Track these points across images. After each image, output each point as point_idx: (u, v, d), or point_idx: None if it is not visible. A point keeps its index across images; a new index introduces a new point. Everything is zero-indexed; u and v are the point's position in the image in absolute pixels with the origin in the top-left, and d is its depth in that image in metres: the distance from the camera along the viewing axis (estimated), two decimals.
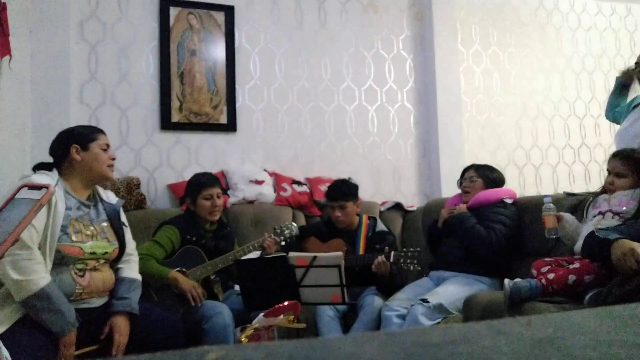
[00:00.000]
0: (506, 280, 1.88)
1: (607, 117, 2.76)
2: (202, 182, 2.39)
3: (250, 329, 1.45)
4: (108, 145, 1.89)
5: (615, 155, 2.03)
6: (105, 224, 1.83)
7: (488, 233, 2.39)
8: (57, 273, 1.63)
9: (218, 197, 2.39)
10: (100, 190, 1.92)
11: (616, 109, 2.64)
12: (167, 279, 2.16)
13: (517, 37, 3.96)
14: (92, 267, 1.73)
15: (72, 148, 1.79)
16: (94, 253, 1.73)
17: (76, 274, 1.68)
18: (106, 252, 1.78)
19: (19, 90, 2.70)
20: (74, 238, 1.68)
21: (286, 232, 2.46)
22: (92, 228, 1.77)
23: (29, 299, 1.52)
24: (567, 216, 2.08)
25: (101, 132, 1.91)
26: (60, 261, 1.64)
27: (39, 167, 1.79)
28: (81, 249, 1.69)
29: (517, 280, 1.87)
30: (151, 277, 2.15)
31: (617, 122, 2.65)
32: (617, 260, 1.59)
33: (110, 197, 1.94)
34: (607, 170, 2.04)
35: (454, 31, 3.73)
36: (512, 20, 3.97)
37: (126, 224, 1.95)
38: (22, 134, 2.70)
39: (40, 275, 1.54)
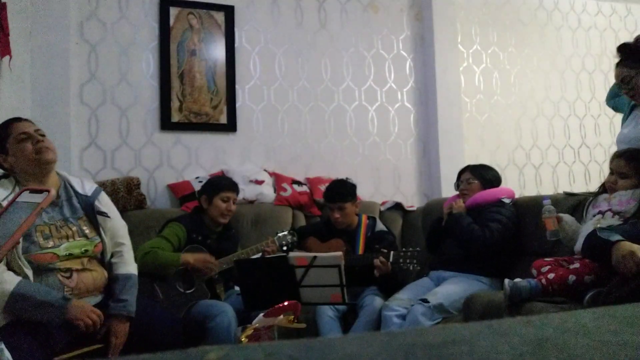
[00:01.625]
0: (506, 280, 1.88)
1: (608, 104, 2.71)
2: (224, 184, 2.49)
3: (250, 329, 1.45)
4: (26, 133, 1.67)
5: (619, 155, 2.02)
6: (82, 219, 1.75)
7: (482, 231, 2.39)
8: (43, 278, 1.59)
9: (234, 202, 2.48)
10: (75, 182, 1.81)
11: (617, 98, 2.61)
12: (180, 264, 2.20)
13: (517, 37, 3.96)
14: (79, 268, 1.67)
15: None
16: (71, 255, 1.65)
17: (63, 276, 1.63)
18: (86, 250, 1.70)
19: (19, 90, 2.70)
20: (43, 245, 1.61)
21: (287, 240, 2.49)
22: (66, 228, 1.69)
23: (7, 306, 1.49)
24: (567, 217, 2.08)
25: (15, 120, 1.72)
26: (39, 268, 1.60)
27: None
28: (54, 253, 1.62)
29: (517, 280, 1.87)
30: (163, 267, 2.19)
31: (617, 110, 2.62)
32: (616, 262, 1.59)
33: (86, 187, 1.81)
34: (610, 169, 2.03)
35: (454, 31, 3.73)
36: (512, 20, 3.97)
37: (109, 213, 1.82)
38: None
39: (5, 282, 1.49)
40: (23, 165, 1.67)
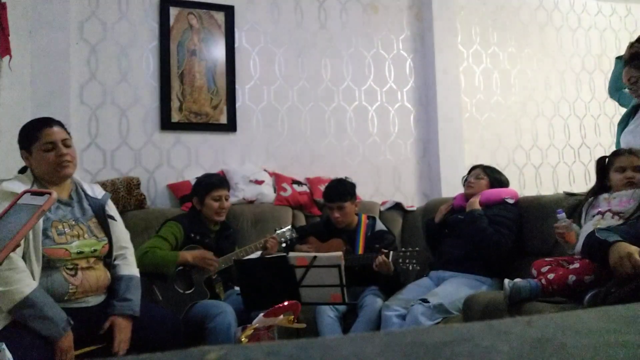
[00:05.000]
0: (506, 280, 1.88)
1: (612, 97, 2.76)
2: (212, 183, 2.44)
3: (250, 329, 1.45)
4: (53, 143, 1.70)
5: (626, 152, 2.02)
6: (92, 220, 1.80)
7: (499, 239, 2.38)
8: (48, 275, 1.62)
9: (226, 199, 2.44)
10: (86, 185, 1.88)
11: (621, 92, 2.64)
12: (178, 262, 2.19)
13: (517, 37, 3.96)
14: (85, 266, 1.71)
15: (22, 154, 1.73)
16: (81, 252, 1.70)
17: (68, 274, 1.66)
18: (95, 250, 1.75)
19: (19, 90, 2.70)
20: (57, 240, 1.65)
21: (286, 236, 2.49)
22: (77, 227, 1.74)
23: (15, 308, 1.51)
24: (574, 225, 2.06)
25: (45, 125, 1.72)
26: (48, 264, 1.62)
27: (22, 171, 1.75)
28: (67, 250, 1.66)
29: (517, 280, 1.87)
30: (161, 266, 2.18)
31: (621, 104, 2.66)
32: (614, 263, 1.59)
33: (96, 191, 1.88)
34: (621, 167, 2.00)
35: (454, 31, 3.73)
36: (512, 20, 3.97)
37: (115, 217, 1.90)
38: None
39: (24, 283, 1.51)
40: (42, 171, 1.74)
